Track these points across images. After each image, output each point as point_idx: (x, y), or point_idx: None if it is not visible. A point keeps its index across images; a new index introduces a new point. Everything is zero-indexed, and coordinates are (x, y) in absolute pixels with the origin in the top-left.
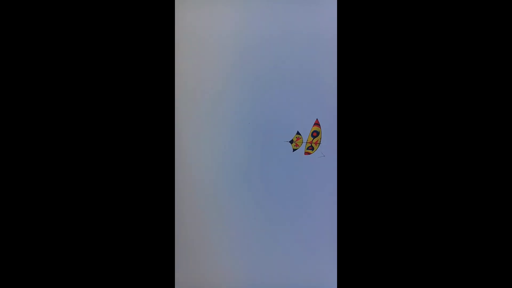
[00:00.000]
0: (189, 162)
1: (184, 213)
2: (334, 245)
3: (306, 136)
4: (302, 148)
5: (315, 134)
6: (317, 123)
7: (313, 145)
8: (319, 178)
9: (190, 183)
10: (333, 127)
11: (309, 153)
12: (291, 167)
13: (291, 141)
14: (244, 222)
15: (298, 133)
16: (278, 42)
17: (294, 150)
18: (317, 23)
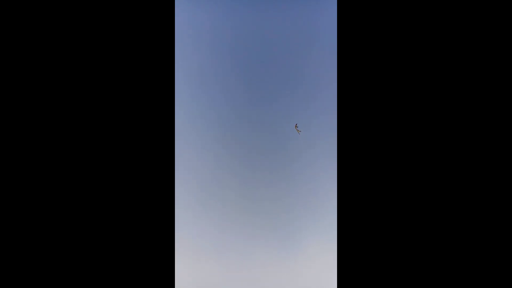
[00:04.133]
0: (189, 162)
1: (184, 214)
2: (334, 246)
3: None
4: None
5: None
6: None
7: (298, 130)
8: (319, 179)
9: (190, 184)
10: (333, 127)
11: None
12: (291, 168)
13: (297, 127)
14: (244, 223)
15: (296, 126)
16: (278, 42)
17: (297, 128)
18: (317, 23)
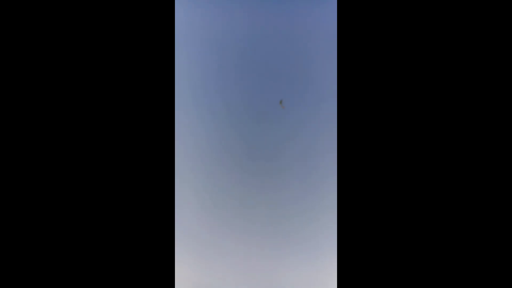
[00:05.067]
0: (189, 161)
1: (184, 214)
2: (334, 247)
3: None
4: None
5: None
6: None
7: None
8: (319, 179)
9: (190, 183)
10: (333, 127)
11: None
12: (291, 168)
13: (281, 103)
14: (244, 223)
15: (281, 102)
16: (278, 42)
17: (281, 104)
18: (317, 23)
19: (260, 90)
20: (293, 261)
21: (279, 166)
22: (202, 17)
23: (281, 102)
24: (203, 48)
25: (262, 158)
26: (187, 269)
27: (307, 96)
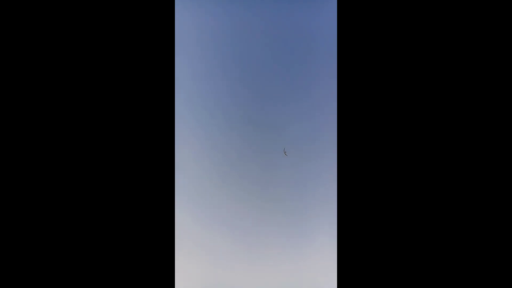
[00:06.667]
0: (189, 162)
1: (184, 214)
2: (334, 247)
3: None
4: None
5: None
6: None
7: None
8: (318, 179)
9: (189, 184)
10: (333, 127)
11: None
12: (290, 168)
13: (285, 152)
14: (244, 224)
15: (284, 151)
16: (278, 42)
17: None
18: (317, 23)
19: (259, 89)
20: (294, 260)
21: (279, 167)
22: (202, 17)
23: (285, 152)
24: (203, 48)
25: (263, 158)
26: (186, 268)
27: (308, 96)
